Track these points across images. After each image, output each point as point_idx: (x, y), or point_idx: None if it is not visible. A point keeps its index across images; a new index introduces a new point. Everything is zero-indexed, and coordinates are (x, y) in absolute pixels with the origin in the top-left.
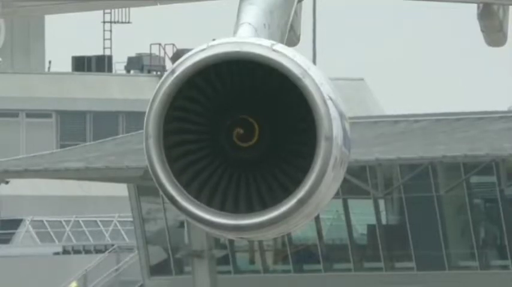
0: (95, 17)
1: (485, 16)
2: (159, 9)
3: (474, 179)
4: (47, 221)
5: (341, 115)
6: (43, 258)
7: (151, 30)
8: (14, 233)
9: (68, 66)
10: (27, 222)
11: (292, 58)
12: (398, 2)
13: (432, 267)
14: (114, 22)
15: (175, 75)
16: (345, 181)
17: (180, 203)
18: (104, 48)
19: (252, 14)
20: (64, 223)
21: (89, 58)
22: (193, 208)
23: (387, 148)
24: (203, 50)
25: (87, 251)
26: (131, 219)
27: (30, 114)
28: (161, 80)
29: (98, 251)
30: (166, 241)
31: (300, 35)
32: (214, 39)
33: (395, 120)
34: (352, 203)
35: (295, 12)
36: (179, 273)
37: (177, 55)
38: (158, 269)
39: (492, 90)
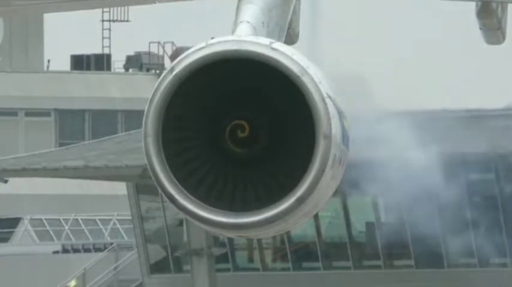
0: (93, 15)
1: (483, 14)
2: (158, 7)
3: (473, 177)
4: (45, 219)
5: (340, 113)
6: (42, 257)
7: (150, 28)
8: (12, 232)
9: (66, 65)
10: (26, 221)
11: (290, 56)
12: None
13: (431, 265)
14: (113, 21)
15: (174, 73)
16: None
17: (179, 202)
18: (103, 46)
19: (251, 13)
20: (63, 221)
21: (88, 57)
22: (192, 206)
23: None
24: (202, 48)
25: (86, 250)
26: (130, 217)
27: (29, 113)
28: (160, 79)
29: (97, 249)
30: (165, 239)
31: (298, 32)
32: (213, 38)
33: None
34: (351, 201)
35: (294, 10)
36: (178, 271)
37: (176, 53)
38: (157, 268)
39: (490, 88)
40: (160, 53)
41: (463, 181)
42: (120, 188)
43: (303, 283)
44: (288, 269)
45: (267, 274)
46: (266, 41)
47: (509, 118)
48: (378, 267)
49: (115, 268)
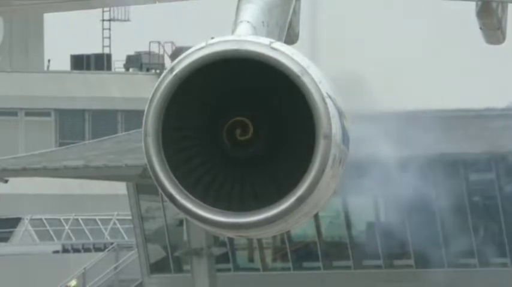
0: (93, 15)
1: (484, 14)
2: (158, 7)
3: (473, 177)
4: (46, 219)
5: (340, 113)
6: (42, 256)
7: (150, 28)
8: (13, 232)
9: (67, 65)
10: (26, 220)
11: (291, 56)
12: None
13: (431, 265)
14: (113, 20)
15: (174, 73)
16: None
17: (178, 201)
18: (103, 46)
19: (251, 12)
20: (63, 221)
21: (88, 56)
22: (192, 205)
23: None
24: (202, 48)
25: (86, 250)
26: (130, 217)
27: (29, 112)
28: (160, 78)
29: (97, 249)
30: (165, 239)
31: (298, 32)
32: (213, 38)
33: None
34: (351, 201)
35: (294, 10)
36: (178, 271)
37: (176, 53)
38: (157, 267)
39: (491, 88)
40: (161, 52)
41: (463, 180)
42: (120, 188)
43: (303, 283)
44: (288, 269)
45: (267, 273)
46: (266, 40)
47: (509, 118)
48: (378, 267)
49: (115, 268)
